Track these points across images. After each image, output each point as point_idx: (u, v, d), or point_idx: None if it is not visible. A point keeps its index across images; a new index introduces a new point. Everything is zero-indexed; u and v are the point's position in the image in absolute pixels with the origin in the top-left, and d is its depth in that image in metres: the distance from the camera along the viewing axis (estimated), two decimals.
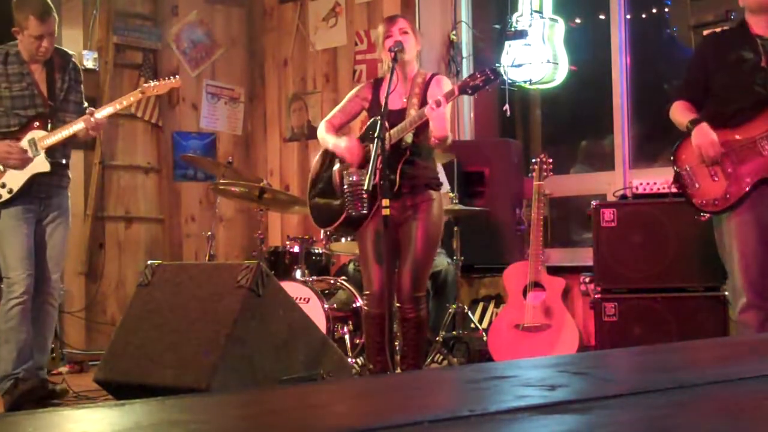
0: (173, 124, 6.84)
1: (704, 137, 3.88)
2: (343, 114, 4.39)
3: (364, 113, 4.37)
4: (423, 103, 4.10)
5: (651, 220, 4.85)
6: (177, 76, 4.75)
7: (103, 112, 4.44)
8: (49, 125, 4.41)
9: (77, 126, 4.39)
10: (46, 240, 4.45)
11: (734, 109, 3.91)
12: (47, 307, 4.45)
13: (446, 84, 4.20)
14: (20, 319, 4.28)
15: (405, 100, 4.19)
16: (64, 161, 4.53)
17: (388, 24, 4.23)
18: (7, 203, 4.35)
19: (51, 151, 4.42)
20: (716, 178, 3.91)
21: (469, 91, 3.99)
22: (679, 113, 4.03)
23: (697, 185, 3.97)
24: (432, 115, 3.92)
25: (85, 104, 4.62)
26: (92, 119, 4.36)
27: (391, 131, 4.00)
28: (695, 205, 3.98)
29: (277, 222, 7.00)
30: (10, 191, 4.35)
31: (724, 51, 4.00)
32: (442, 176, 5.51)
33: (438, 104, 3.90)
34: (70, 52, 4.70)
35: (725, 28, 4.45)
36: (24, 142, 4.38)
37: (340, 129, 4.40)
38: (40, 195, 4.42)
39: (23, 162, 4.35)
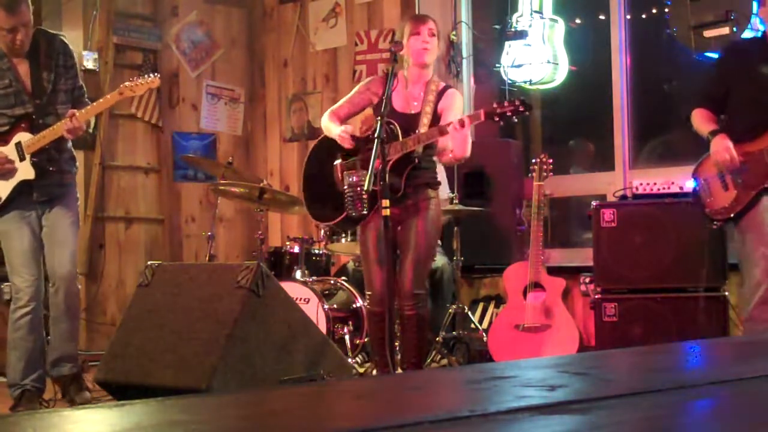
0: (173, 125, 6.84)
1: (719, 144, 4.04)
2: (351, 105, 4.38)
3: (369, 109, 4.40)
4: (435, 112, 4.16)
5: (651, 220, 4.85)
6: (157, 74, 4.46)
7: (83, 116, 4.20)
8: (38, 126, 4.19)
9: (60, 128, 4.16)
10: (51, 227, 4.26)
11: (749, 124, 4.04)
12: (65, 294, 4.25)
13: (458, 100, 4.25)
14: (29, 329, 4.19)
15: (415, 104, 4.21)
16: (55, 165, 4.26)
17: (419, 22, 4.21)
18: (1, 209, 4.20)
19: (39, 154, 4.20)
20: (727, 188, 4.09)
21: (496, 119, 3.98)
22: (700, 122, 4.18)
23: (711, 197, 4.16)
24: (455, 135, 3.95)
25: (81, 84, 4.41)
26: (72, 123, 4.13)
27: (412, 143, 4.01)
28: (707, 214, 4.17)
29: (277, 222, 7.00)
30: None
31: (743, 64, 4.12)
32: (443, 178, 5.55)
33: (462, 125, 3.91)
34: (59, 34, 4.42)
35: (748, 38, 4.61)
36: (11, 146, 4.19)
37: (345, 120, 4.39)
38: (40, 200, 4.24)
39: (5, 170, 4.16)
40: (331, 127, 4.26)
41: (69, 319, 4.34)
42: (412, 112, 4.18)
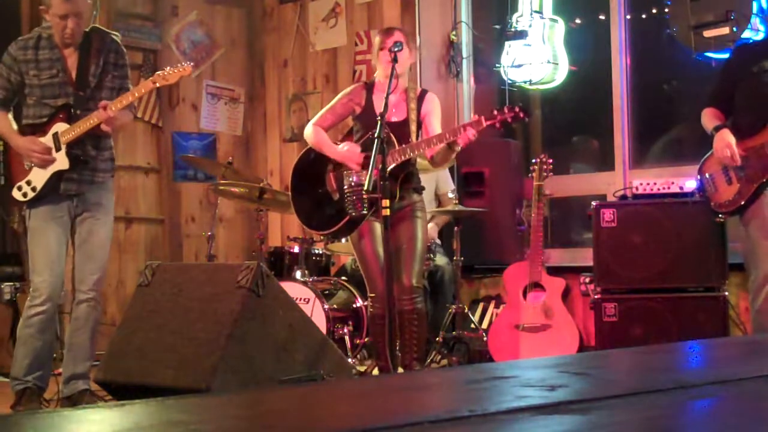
0: (173, 125, 6.84)
1: (720, 140, 4.15)
2: (334, 116, 4.46)
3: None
4: (418, 118, 4.30)
5: (651, 220, 4.85)
6: (191, 63, 4.40)
7: (116, 105, 4.11)
8: (75, 117, 4.13)
9: (94, 120, 4.10)
10: (84, 238, 4.19)
11: (750, 119, 4.13)
12: (89, 310, 4.22)
13: (438, 103, 4.41)
14: (39, 328, 4.14)
15: (395, 110, 4.28)
16: (91, 156, 4.19)
17: (385, 35, 4.32)
18: (35, 202, 4.15)
19: (75, 146, 4.15)
20: (731, 182, 4.19)
21: (497, 125, 4.10)
22: (707, 120, 4.30)
23: (716, 191, 4.27)
24: (465, 143, 4.09)
25: (129, 86, 4.33)
26: (105, 113, 4.05)
27: (412, 151, 4.12)
28: (712, 207, 4.28)
29: (277, 222, 7.00)
30: (34, 189, 4.14)
31: (749, 62, 4.21)
32: (446, 175, 5.60)
33: (473, 135, 4.08)
34: (113, 33, 4.39)
35: (756, 39, 4.71)
36: (49, 136, 4.14)
37: (328, 131, 4.47)
38: (69, 192, 4.16)
39: (44, 161, 4.12)
40: (324, 146, 4.36)
41: (87, 336, 4.28)
42: (395, 119, 4.28)
